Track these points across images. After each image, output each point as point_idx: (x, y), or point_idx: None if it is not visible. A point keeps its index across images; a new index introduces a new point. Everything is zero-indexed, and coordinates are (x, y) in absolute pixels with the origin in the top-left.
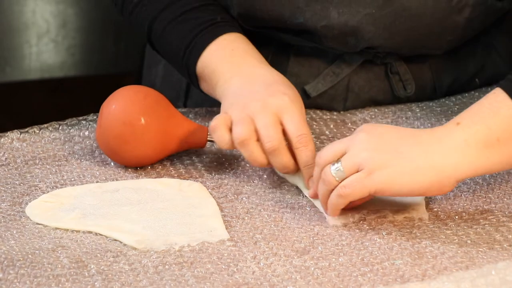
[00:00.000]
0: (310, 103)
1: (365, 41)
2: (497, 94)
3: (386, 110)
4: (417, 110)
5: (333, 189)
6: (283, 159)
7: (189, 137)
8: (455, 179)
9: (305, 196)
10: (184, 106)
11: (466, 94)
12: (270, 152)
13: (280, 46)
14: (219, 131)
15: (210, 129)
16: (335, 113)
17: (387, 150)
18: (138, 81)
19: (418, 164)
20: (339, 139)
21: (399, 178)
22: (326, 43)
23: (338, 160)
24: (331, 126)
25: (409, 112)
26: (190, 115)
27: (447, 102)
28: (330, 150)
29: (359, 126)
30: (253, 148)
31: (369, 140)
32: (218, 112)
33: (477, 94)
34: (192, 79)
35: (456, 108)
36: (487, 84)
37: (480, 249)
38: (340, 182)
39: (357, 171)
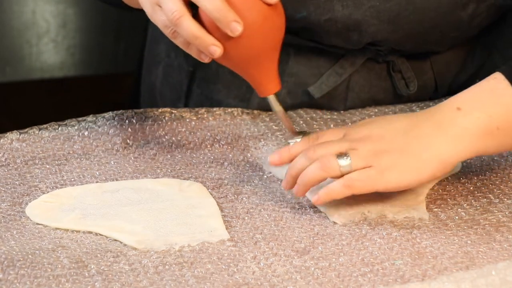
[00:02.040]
0: (311, 102)
1: (369, 35)
2: (498, 80)
3: (386, 110)
4: (418, 110)
5: (330, 177)
6: (188, 26)
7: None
8: (456, 162)
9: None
10: (185, 107)
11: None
12: (175, 23)
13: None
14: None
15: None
16: (335, 113)
17: (394, 150)
18: (137, 82)
19: (424, 158)
20: None
21: (407, 175)
22: (329, 40)
23: (344, 154)
24: (331, 126)
25: (409, 112)
26: (191, 115)
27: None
28: (331, 145)
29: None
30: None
31: (374, 141)
32: (219, 112)
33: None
34: None
35: None
36: None
37: (480, 249)
38: (342, 173)
39: (364, 168)
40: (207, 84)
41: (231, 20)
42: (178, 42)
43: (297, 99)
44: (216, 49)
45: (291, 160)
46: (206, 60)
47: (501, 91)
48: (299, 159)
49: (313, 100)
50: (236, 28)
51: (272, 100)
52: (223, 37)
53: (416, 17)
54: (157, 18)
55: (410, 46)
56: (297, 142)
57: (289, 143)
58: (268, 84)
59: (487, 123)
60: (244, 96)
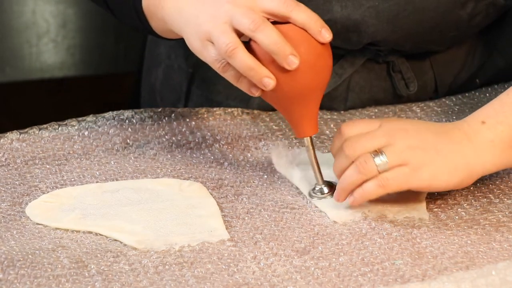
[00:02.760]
0: None
1: (368, 35)
2: None
3: (386, 110)
4: (418, 110)
5: (368, 179)
6: (243, 57)
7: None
8: (481, 175)
9: (303, 193)
10: (185, 108)
11: (467, 94)
12: (229, 55)
13: None
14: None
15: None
16: (335, 113)
17: (429, 148)
18: (138, 82)
19: (456, 162)
20: None
21: (440, 176)
22: None
23: (380, 152)
24: (331, 126)
25: (410, 112)
26: (191, 115)
27: (447, 102)
28: (368, 139)
29: (385, 117)
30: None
31: (411, 136)
32: (219, 112)
33: (477, 94)
34: (141, 19)
35: (456, 108)
36: (487, 84)
37: (480, 249)
38: (380, 173)
39: (399, 166)
40: (207, 85)
41: (289, 54)
42: (228, 75)
43: None
44: (270, 82)
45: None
46: (256, 94)
47: None
48: (341, 161)
49: None
50: (293, 61)
51: (308, 142)
52: (276, 71)
53: (415, 17)
54: (207, 54)
55: (409, 46)
56: (332, 144)
57: (314, 190)
58: (308, 125)
59: (510, 136)
60: (243, 97)
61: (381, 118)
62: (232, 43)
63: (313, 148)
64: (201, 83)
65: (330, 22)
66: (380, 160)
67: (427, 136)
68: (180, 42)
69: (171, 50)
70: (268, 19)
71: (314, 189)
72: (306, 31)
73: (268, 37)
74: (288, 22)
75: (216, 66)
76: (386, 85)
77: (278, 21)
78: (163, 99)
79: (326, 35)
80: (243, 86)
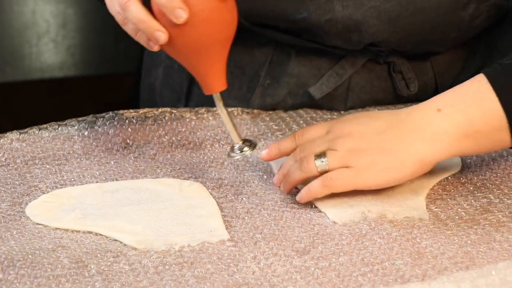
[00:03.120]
0: (311, 103)
1: (369, 35)
2: (481, 84)
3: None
4: None
5: (308, 177)
6: (135, 10)
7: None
8: (434, 162)
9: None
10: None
11: None
12: (123, 8)
13: (281, 46)
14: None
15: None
16: (335, 113)
17: (372, 149)
18: (137, 82)
19: (403, 158)
20: None
21: (386, 174)
22: (329, 41)
23: (323, 154)
24: None
25: (393, 109)
26: (191, 114)
27: None
28: (314, 145)
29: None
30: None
31: (355, 140)
32: (219, 112)
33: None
34: None
35: None
36: None
37: (480, 250)
38: (321, 173)
39: (342, 168)
40: None
41: (176, 7)
42: (128, 29)
43: (297, 100)
44: (161, 35)
45: (280, 156)
46: (154, 48)
47: (483, 94)
48: (289, 160)
49: (313, 101)
50: (180, 14)
51: (217, 99)
52: (169, 25)
53: (416, 18)
54: (113, 8)
55: (410, 46)
56: (284, 138)
57: (233, 148)
58: (214, 82)
59: (466, 127)
60: (244, 97)
61: (332, 121)
62: None
63: (224, 106)
64: None
65: (331, 22)
66: (320, 162)
67: (372, 136)
68: None
69: None
70: None
71: (233, 148)
72: None
73: (135, 17)
74: None
75: (117, 19)
76: (387, 85)
77: None
78: (163, 99)
79: None
80: (141, 40)
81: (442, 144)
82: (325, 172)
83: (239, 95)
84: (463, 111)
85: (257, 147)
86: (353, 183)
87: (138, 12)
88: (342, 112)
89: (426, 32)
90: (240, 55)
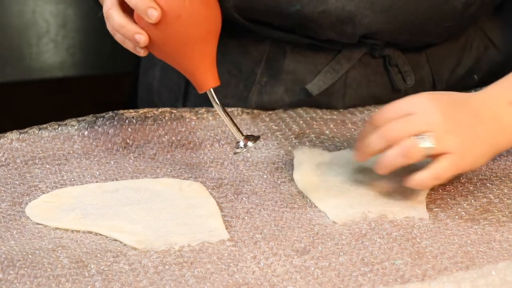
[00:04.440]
0: (309, 100)
1: (363, 27)
2: None
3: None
4: None
5: (409, 163)
6: (115, 17)
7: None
8: (503, 151)
9: (303, 193)
10: (183, 107)
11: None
12: (106, 17)
13: (276, 43)
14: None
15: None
16: (335, 112)
17: (469, 134)
18: (135, 82)
19: (490, 144)
20: (339, 139)
21: (480, 160)
22: (323, 35)
23: (423, 136)
24: (331, 126)
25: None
26: (190, 114)
27: None
28: (408, 124)
29: (416, 94)
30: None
31: (448, 120)
32: (219, 112)
33: (473, 91)
34: None
35: None
36: (485, 80)
37: (480, 249)
38: (425, 156)
39: (445, 154)
40: None
41: (147, 6)
42: (116, 38)
43: (295, 97)
44: (140, 37)
45: (371, 153)
46: (141, 53)
47: None
48: (374, 138)
49: (311, 98)
50: (152, 14)
51: (210, 96)
52: (147, 27)
53: (409, 7)
54: (106, 22)
55: (405, 37)
56: (363, 132)
57: (237, 144)
58: (204, 79)
59: None
60: (241, 96)
61: (408, 99)
62: (109, 5)
63: (221, 103)
64: None
65: (324, 14)
66: (425, 143)
67: (465, 122)
68: None
69: None
70: None
71: (237, 144)
72: None
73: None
74: None
75: (109, 30)
76: (383, 80)
77: None
78: (161, 98)
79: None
80: (129, 46)
81: None
82: (430, 156)
83: (237, 93)
84: None
85: (260, 140)
86: (459, 169)
87: (118, 18)
88: (341, 110)
89: (420, 22)
90: (236, 53)
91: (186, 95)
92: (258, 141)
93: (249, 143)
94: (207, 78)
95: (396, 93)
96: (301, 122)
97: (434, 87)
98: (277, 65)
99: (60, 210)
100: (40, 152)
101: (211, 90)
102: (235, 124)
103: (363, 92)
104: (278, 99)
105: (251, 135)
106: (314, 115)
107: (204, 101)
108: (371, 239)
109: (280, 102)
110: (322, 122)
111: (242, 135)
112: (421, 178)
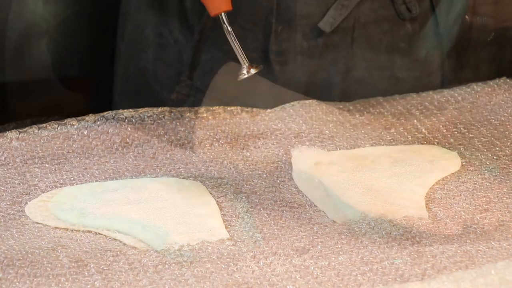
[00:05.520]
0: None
1: None
2: None
3: (386, 103)
4: (416, 97)
5: None
6: None
7: None
8: None
9: (303, 193)
10: (190, 79)
11: (465, 87)
12: None
13: None
14: None
15: None
16: (335, 112)
17: None
18: (111, 87)
19: None
20: (338, 139)
21: None
22: None
23: None
24: (330, 125)
25: (410, 110)
26: (190, 114)
27: (446, 100)
28: None
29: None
30: None
31: None
32: (218, 111)
33: (474, 87)
34: None
35: (455, 107)
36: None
37: (480, 249)
38: None
39: None
40: (220, 41)
41: None
42: None
43: (312, 41)
44: None
45: None
46: None
47: None
48: None
49: (326, 39)
50: None
51: (221, 19)
52: None
53: None
54: None
55: None
56: None
57: (241, 70)
58: (217, 1)
59: None
60: (262, 48)
61: None
62: None
63: (231, 28)
64: (211, 47)
65: None
66: None
67: None
68: (173, 18)
69: (162, 28)
70: None
71: (241, 71)
72: None
73: None
74: None
75: None
76: (390, 13)
77: None
78: (157, 78)
79: None
80: None
81: None
82: None
83: (257, 46)
84: None
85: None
86: None
87: None
88: (341, 109)
89: None
90: (246, 7)
91: (193, 65)
92: (259, 69)
93: (252, 70)
94: (220, 1)
95: (403, 27)
96: (301, 121)
97: (436, 22)
98: (289, 10)
99: (59, 210)
100: (40, 151)
101: (222, 14)
102: (242, 51)
103: (371, 27)
104: (297, 45)
105: (255, 64)
106: (314, 114)
107: (216, 65)
108: (371, 238)
109: (299, 49)
110: (322, 122)
111: (247, 62)
112: None
